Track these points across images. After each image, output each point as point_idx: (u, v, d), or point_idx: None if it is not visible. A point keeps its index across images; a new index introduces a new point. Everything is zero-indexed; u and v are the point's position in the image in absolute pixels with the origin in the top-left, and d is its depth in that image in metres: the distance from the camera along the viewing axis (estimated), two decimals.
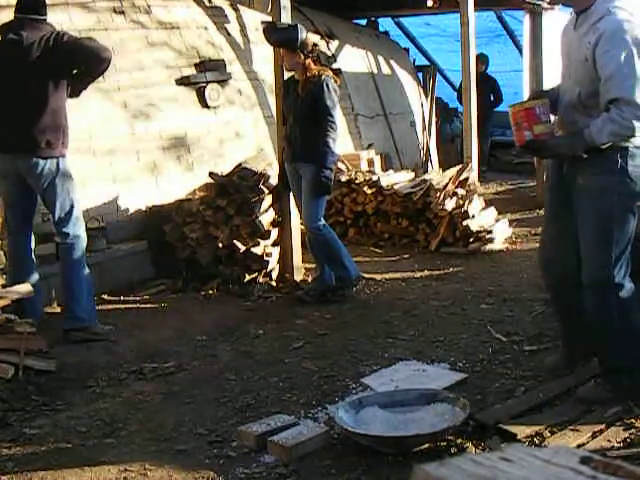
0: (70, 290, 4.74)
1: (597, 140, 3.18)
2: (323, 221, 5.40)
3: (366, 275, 5.90)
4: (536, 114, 3.31)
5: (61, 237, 4.76)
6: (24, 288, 4.51)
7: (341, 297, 5.43)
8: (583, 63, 3.25)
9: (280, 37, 5.34)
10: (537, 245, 6.88)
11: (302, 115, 5.24)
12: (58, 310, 5.24)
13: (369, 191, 7.06)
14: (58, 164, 4.60)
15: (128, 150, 6.21)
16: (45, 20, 4.61)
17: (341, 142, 8.14)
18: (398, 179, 7.31)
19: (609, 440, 3.12)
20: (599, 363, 3.63)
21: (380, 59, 9.61)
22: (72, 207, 4.70)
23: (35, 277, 4.81)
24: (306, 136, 5.22)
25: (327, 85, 5.16)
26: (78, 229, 4.75)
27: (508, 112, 3.48)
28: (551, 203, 3.70)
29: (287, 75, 5.61)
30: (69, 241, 4.71)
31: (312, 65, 5.23)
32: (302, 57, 5.20)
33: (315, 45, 5.30)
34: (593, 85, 3.24)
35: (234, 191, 5.88)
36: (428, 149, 10.00)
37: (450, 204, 6.74)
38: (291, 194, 5.68)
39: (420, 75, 10.65)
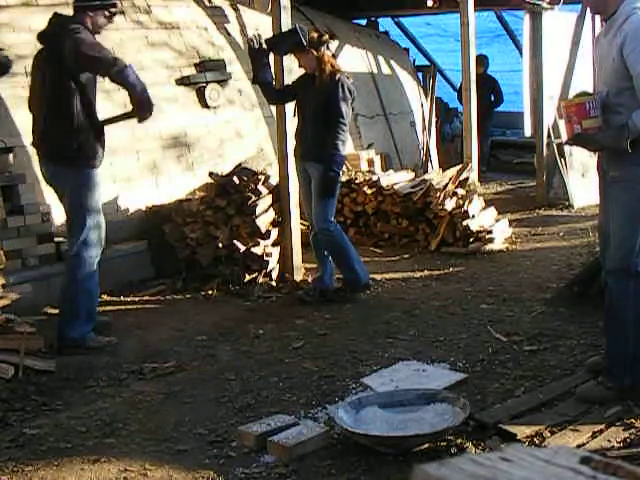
0: (62, 308, 4.65)
1: None
2: (334, 222, 5.37)
3: None
4: (586, 109, 3.43)
5: (68, 248, 4.71)
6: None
7: (342, 298, 5.43)
8: (611, 64, 3.40)
9: (287, 46, 5.31)
10: (537, 245, 6.94)
11: (314, 112, 5.20)
12: (58, 310, 5.24)
13: (369, 191, 7.06)
14: (74, 176, 4.50)
15: (128, 150, 6.21)
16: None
17: None
18: (398, 179, 7.30)
19: (609, 440, 3.12)
20: (606, 353, 3.65)
21: (380, 59, 9.61)
22: (83, 224, 4.52)
23: None
24: (316, 135, 5.19)
25: (342, 85, 5.12)
26: (85, 249, 4.53)
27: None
28: (600, 196, 3.79)
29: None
30: (71, 257, 4.61)
31: (326, 57, 5.19)
32: (314, 52, 5.18)
33: (321, 35, 5.28)
34: (619, 84, 3.38)
35: (234, 191, 5.88)
36: (428, 149, 9.99)
37: (450, 204, 6.74)
38: (297, 192, 5.69)
39: (420, 75, 10.66)
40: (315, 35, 5.26)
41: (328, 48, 5.28)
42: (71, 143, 4.46)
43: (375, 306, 5.31)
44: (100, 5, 4.49)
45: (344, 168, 7.36)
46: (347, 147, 8.23)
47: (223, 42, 7.24)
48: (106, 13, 4.54)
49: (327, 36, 5.36)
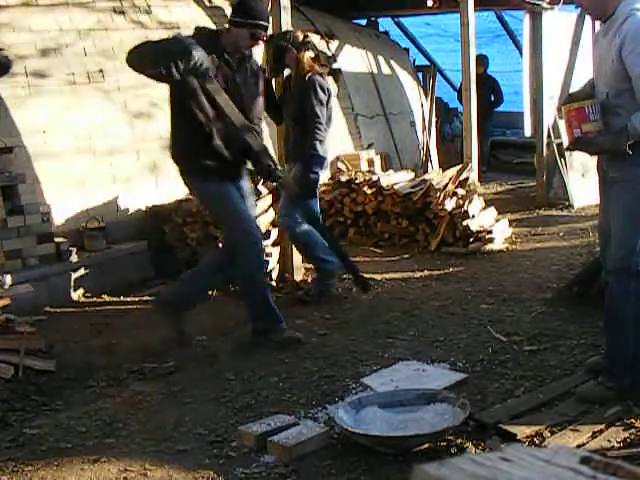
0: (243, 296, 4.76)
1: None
2: (297, 219, 5.28)
3: (366, 275, 5.87)
4: (586, 113, 3.43)
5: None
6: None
7: (324, 291, 5.42)
8: (610, 65, 3.39)
9: (279, 64, 5.29)
10: (537, 245, 6.94)
11: (292, 113, 5.21)
12: (59, 310, 5.25)
13: (369, 191, 7.06)
14: (197, 187, 4.53)
15: (128, 150, 6.21)
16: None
17: (341, 142, 8.14)
18: (398, 179, 7.31)
19: (609, 440, 3.12)
20: (606, 353, 3.65)
21: (380, 59, 9.61)
22: (228, 225, 4.52)
23: None
24: (295, 136, 5.21)
25: (314, 85, 5.10)
26: (236, 238, 4.42)
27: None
28: (600, 196, 3.79)
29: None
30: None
31: (305, 59, 5.17)
32: (295, 51, 5.15)
33: (305, 37, 5.25)
34: (619, 85, 3.37)
35: None
36: (428, 149, 10.00)
37: (450, 204, 6.74)
38: None
39: (420, 75, 10.66)
40: (301, 36, 5.22)
41: (308, 50, 5.23)
42: (177, 151, 4.57)
43: (375, 306, 5.31)
44: (241, 23, 4.32)
45: (343, 167, 7.38)
46: (347, 147, 8.27)
47: None
48: (252, 32, 4.35)
49: (310, 38, 5.32)
